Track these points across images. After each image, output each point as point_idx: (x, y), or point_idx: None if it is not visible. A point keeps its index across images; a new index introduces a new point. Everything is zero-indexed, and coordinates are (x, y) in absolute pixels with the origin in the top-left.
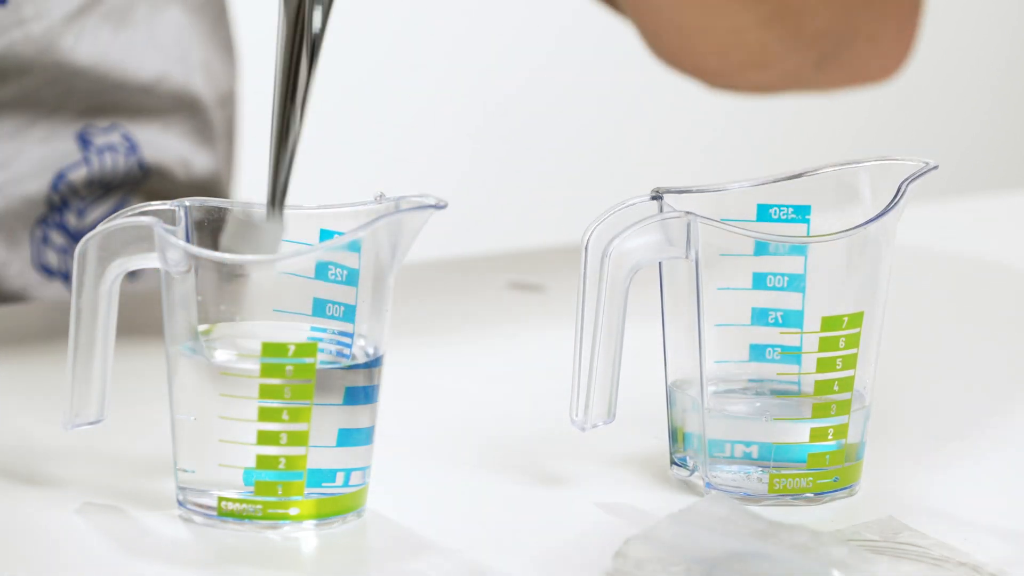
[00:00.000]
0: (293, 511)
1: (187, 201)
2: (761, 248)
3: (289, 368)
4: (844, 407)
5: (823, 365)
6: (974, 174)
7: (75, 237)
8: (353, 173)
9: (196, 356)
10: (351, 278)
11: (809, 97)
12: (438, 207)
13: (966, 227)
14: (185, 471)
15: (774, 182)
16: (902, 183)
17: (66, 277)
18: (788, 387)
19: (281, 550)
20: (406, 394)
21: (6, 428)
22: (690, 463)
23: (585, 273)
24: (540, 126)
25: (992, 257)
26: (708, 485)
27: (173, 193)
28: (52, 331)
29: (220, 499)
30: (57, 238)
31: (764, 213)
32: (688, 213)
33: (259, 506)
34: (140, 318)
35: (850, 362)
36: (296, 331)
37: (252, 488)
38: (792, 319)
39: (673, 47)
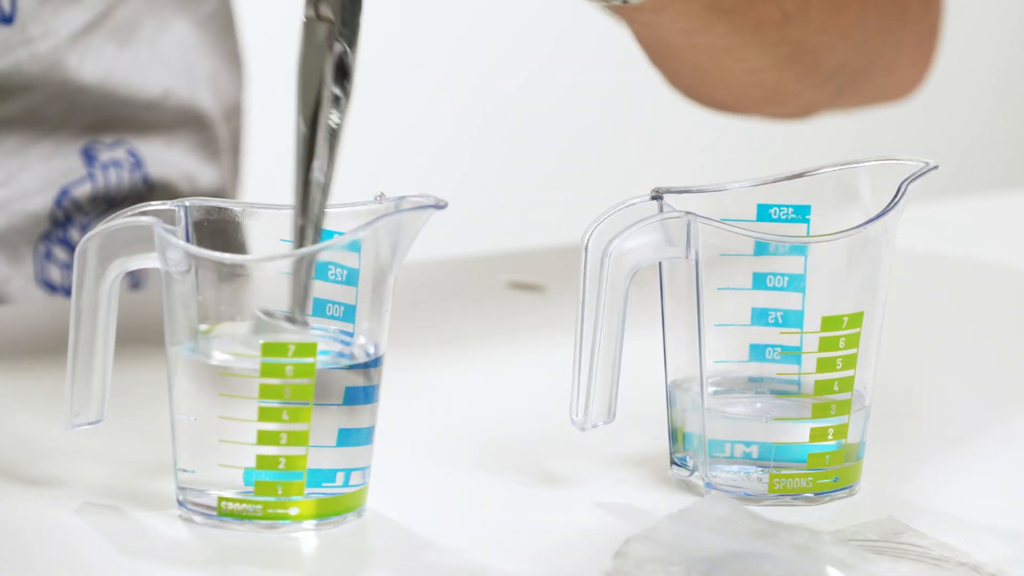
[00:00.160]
0: (293, 511)
1: (187, 201)
2: (761, 248)
3: (289, 368)
4: (844, 407)
5: (823, 365)
6: (974, 174)
7: None
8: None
9: (196, 356)
10: (351, 278)
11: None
12: (438, 207)
13: (966, 227)
14: (185, 471)
15: (774, 182)
16: (902, 183)
17: (69, 293)
18: (788, 387)
19: (281, 550)
20: (406, 394)
21: (6, 428)
22: (690, 463)
23: (585, 273)
24: (540, 126)
25: (992, 257)
26: (708, 485)
27: None
28: (52, 331)
29: (220, 499)
30: (60, 253)
31: (764, 213)
32: (688, 213)
33: (259, 506)
34: (140, 318)
35: (850, 362)
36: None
37: (252, 488)
38: (792, 319)
39: (690, 85)
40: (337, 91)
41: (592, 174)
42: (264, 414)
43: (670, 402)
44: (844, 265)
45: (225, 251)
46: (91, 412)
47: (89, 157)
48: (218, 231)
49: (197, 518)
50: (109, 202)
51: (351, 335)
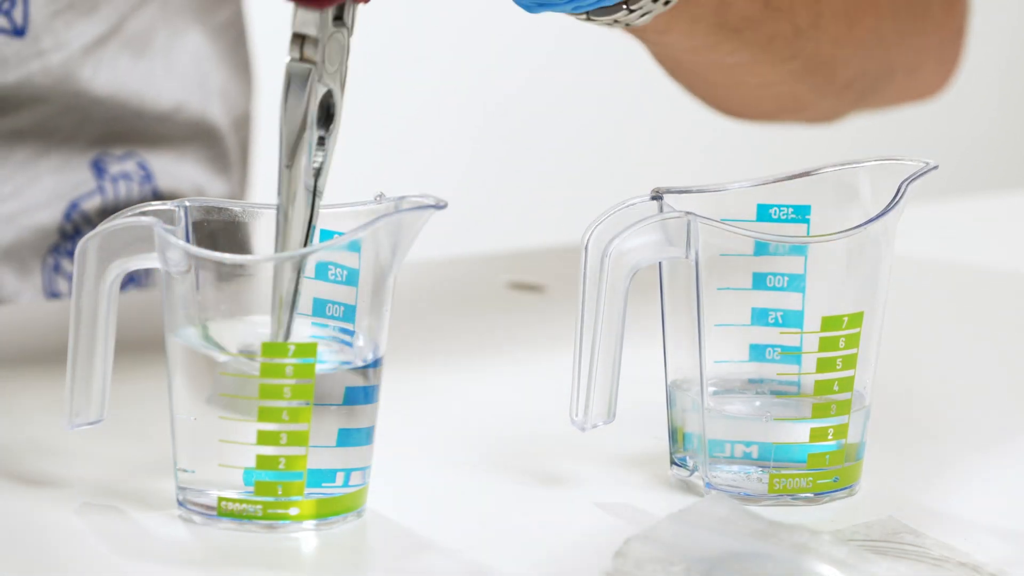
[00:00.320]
0: (293, 511)
1: (187, 201)
2: (761, 248)
3: (289, 368)
4: (844, 407)
5: (823, 365)
6: (974, 174)
7: None
8: (353, 173)
9: (196, 355)
10: (351, 278)
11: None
12: (438, 207)
13: (966, 227)
14: (185, 471)
15: (774, 182)
16: (902, 183)
17: None
18: (788, 387)
19: (281, 550)
20: (406, 394)
21: (6, 428)
22: (690, 463)
23: (585, 273)
24: (540, 126)
25: (992, 257)
26: (708, 485)
27: None
28: (52, 331)
29: (220, 499)
30: (68, 265)
31: (764, 213)
32: (688, 213)
33: (259, 506)
34: (140, 318)
35: (850, 362)
36: (296, 331)
37: (252, 488)
38: (792, 319)
39: (706, 97)
40: (321, 132)
41: (592, 174)
42: (264, 414)
43: (670, 402)
44: (844, 265)
45: (225, 251)
46: (91, 412)
47: (99, 169)
48: (218, 231)
49: (197, 518)
50: None
51: (351, 335)
